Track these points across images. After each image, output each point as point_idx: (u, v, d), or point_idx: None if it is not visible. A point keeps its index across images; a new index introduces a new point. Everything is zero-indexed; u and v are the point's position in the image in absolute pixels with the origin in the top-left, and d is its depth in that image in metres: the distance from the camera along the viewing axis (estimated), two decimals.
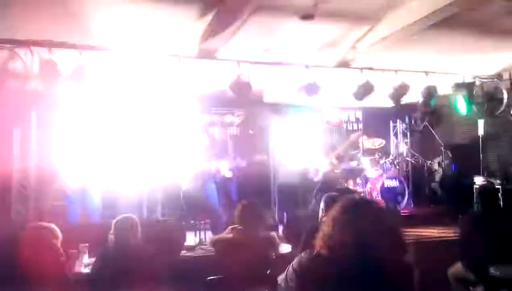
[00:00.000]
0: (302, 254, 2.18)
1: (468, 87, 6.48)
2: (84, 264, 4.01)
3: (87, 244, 4.18)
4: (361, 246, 1.86)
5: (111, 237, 3.65)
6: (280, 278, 2.42)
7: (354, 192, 7.32)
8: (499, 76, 6.66)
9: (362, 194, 7.89)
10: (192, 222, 7.08)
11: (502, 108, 6.54)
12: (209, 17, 4.66)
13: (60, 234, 3.75)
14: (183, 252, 5.32)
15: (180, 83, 5.60)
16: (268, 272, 3.55)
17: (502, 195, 6.37)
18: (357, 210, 2.01)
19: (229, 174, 7.04)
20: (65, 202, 6.20)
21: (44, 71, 4.90)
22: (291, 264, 2.26)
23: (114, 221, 3.47)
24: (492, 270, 3.73)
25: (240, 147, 7.60)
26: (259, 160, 7.01)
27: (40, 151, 7.19)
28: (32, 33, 4.78)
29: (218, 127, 7.32)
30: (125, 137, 7.13)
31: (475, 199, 7.11)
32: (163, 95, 7.94)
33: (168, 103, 8.01)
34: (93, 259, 3.74)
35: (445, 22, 4.64)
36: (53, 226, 3.64)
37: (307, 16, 4.59)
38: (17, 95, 6.34)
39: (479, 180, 7.71)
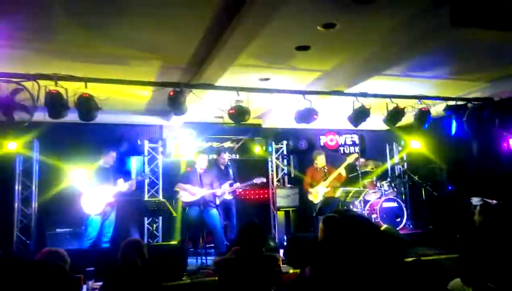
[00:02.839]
0: None
1: (460, 109, 6.65)
2: (91, 288, 4.10)
3: (93, 268, 4.28)
4: None
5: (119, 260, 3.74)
6: None
7: (353, 213, 7.40)
8: (488, 99, 6.84)
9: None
10: (192, 247, 7.14)
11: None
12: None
13: (68, 259, 3.83)
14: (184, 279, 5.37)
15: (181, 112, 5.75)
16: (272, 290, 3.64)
17: None
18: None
19: (230, 198, 7.17)
20: (71, 229, 6.34)
21: (50, 103, 5.01)
22: None
23: (122, 244, 3.56)
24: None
25: (240, 171, 7.74)
26: (259, 183, 7.13)
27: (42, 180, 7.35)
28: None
29: (219, 153, 7.49)
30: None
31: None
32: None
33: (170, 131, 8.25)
34: (99, 283, 3.82)
35: None
36: (61, 250, 3.73)
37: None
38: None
39: (476, 200, 7.84)
